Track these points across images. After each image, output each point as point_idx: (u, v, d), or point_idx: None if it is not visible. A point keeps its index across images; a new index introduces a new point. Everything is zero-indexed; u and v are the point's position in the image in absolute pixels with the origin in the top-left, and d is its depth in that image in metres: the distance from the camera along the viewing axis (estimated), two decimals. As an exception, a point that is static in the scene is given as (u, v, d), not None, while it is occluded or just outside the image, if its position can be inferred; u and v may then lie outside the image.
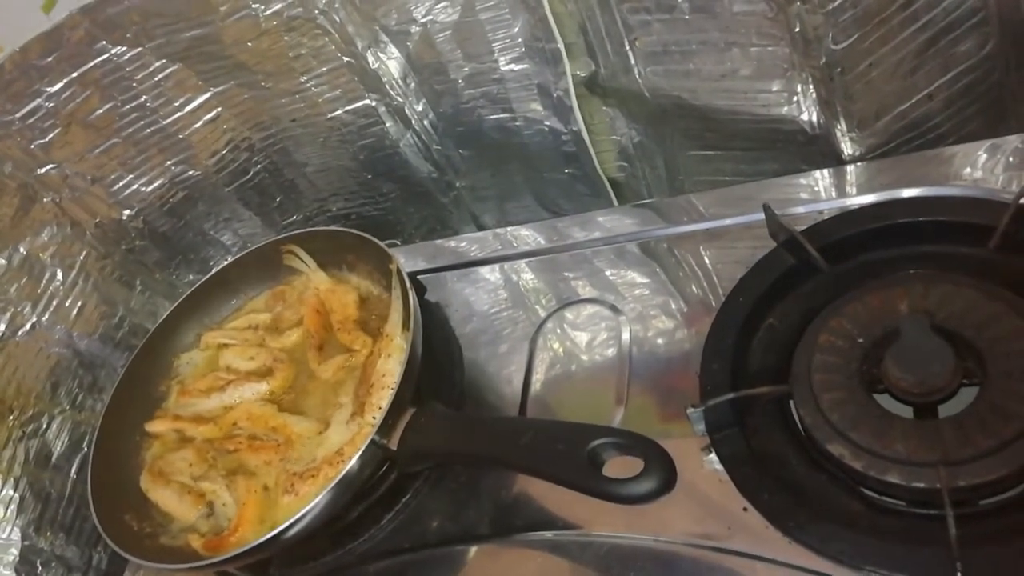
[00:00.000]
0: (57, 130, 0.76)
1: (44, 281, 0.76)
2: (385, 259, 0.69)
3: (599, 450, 0.49)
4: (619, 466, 0.49)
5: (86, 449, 0.74)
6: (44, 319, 0.76)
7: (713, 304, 0.65)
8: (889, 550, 0.47)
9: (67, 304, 0.78)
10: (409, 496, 0.64)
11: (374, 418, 0.60)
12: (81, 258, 0.80)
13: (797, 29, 0.62)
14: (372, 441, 0.58)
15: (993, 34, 0.64)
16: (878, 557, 0.47)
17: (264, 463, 0.65)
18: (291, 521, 0.56)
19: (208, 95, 0.80)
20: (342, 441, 0.62)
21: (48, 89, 0.74)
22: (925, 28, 0.63)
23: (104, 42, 0.73)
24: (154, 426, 0.71)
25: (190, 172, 0.85)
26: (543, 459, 0.52)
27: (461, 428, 0.59)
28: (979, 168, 0.63)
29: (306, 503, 0.56)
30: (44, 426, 0.73)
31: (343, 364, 0.69)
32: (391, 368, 0.63)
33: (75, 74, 0.74)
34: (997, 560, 0.45)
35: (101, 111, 0.77)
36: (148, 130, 0.80)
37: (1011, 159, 0.63)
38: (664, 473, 0.46)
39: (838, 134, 0.69)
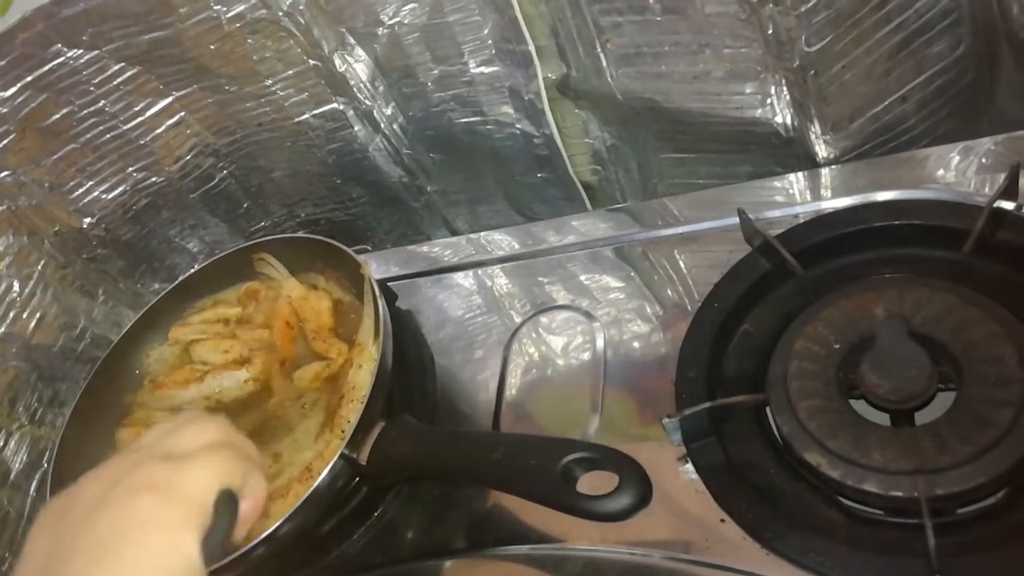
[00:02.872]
0: (11, 136, 0.74)
1: (-1, 292, 0.74)
2: (355, 266, 0.68)
3: (572, 465, 0.48)
4: (593, 481, 0.48)
5: (46, 466, 0.72)
6: (0, 331, 0.73)
7: (688, 308, 0.64)
8: (868, 561, 0.47)
9: (24, 316, 0.75)
10: (382, 510, 0.64)
11: (343, 432, 0.59)
12: (39, 268, 0.77)
13: (770, 31, 0.62)
14: (342, 455, 0.56)
15: (966, 35, 0.64)
16: (857, 568, 0.47)
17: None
18: (259, 539, 0.54)
19: (170, 99, 0.77)
20: (311, 456, 0.61)
21: (1, 94, 0.71)
22: (898, 30, 0.62)
23: (59, 45, 0.71)
24: (123, 435, 0.69)
25: (153, 179, 0.83)
26: (515, 475, 0.51)
27: (432, 442, 0.58)
28: (952, 170, 0.63)
29: (274, 521, 0.55)
30: (2, 443, 0.71)
31: (320, 373, 0.67)
32: (362, 380, 0.62)
33: (29, 78, 0.72)
34: (976, 570, 0.45)
35: (57, 116, 0.75)
36: (108, 136, 0.78)
37: (984, 161, 0.62)
38: (639, 489, 0.45)
39: (812, 136, 0.68)
